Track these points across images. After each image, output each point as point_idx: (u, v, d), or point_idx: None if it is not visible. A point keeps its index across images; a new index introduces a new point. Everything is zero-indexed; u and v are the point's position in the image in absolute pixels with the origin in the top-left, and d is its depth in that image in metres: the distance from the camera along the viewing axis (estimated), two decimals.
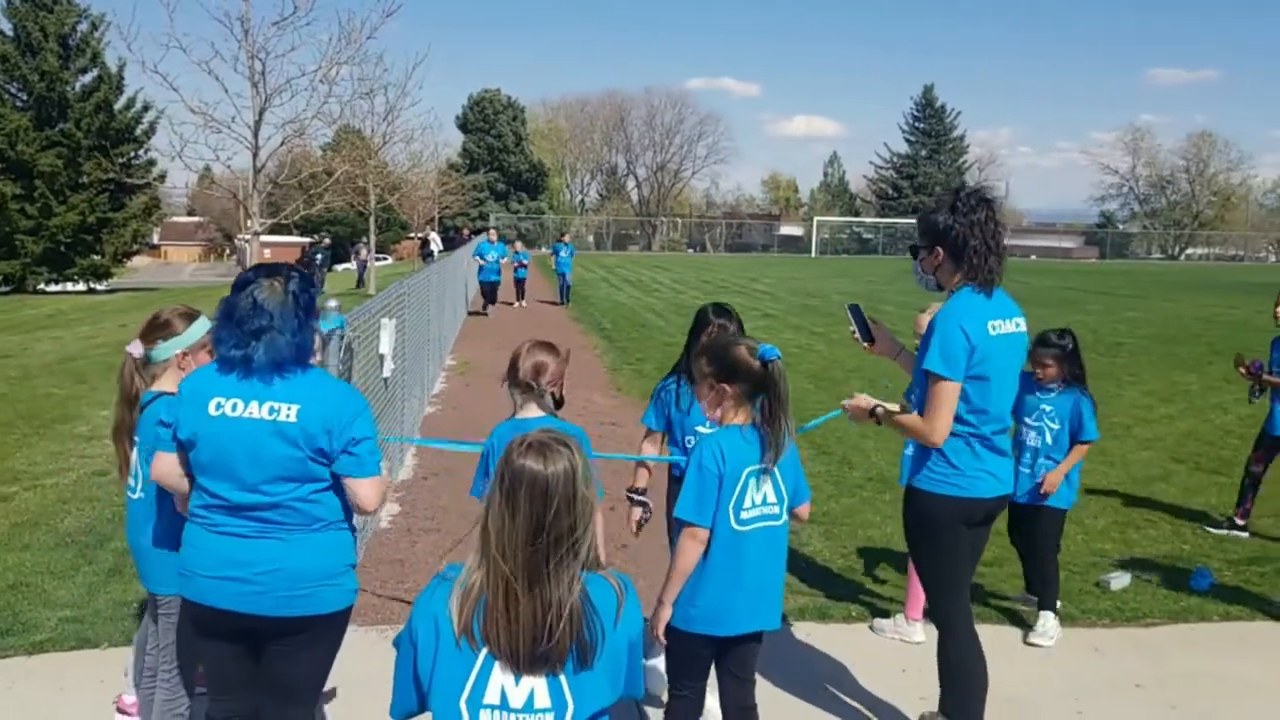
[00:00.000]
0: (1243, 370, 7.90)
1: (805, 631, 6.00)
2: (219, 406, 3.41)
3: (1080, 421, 6.04)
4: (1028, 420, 6.10)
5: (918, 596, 5.84)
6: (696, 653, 3.91)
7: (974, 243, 4.25)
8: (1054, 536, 6.17)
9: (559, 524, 2.34)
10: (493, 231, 27.87)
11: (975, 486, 4.37)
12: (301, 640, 3.56)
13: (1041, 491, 6.07)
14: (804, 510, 4.00)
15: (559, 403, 4.41)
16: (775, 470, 3.80)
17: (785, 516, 3.88)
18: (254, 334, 3.39)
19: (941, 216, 4.32)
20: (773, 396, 3.72)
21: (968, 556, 4.51)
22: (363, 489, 3.51)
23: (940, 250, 4.35)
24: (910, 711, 5.07)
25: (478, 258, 25.71)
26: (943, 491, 4.37)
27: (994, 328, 4.28)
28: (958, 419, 4.28)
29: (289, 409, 3.40)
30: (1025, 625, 6.06)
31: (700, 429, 4.72)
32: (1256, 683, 5.53)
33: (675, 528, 3.86)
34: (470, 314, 24.26)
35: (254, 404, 3.41)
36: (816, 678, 5.40)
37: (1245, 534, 7.95)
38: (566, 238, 30.31)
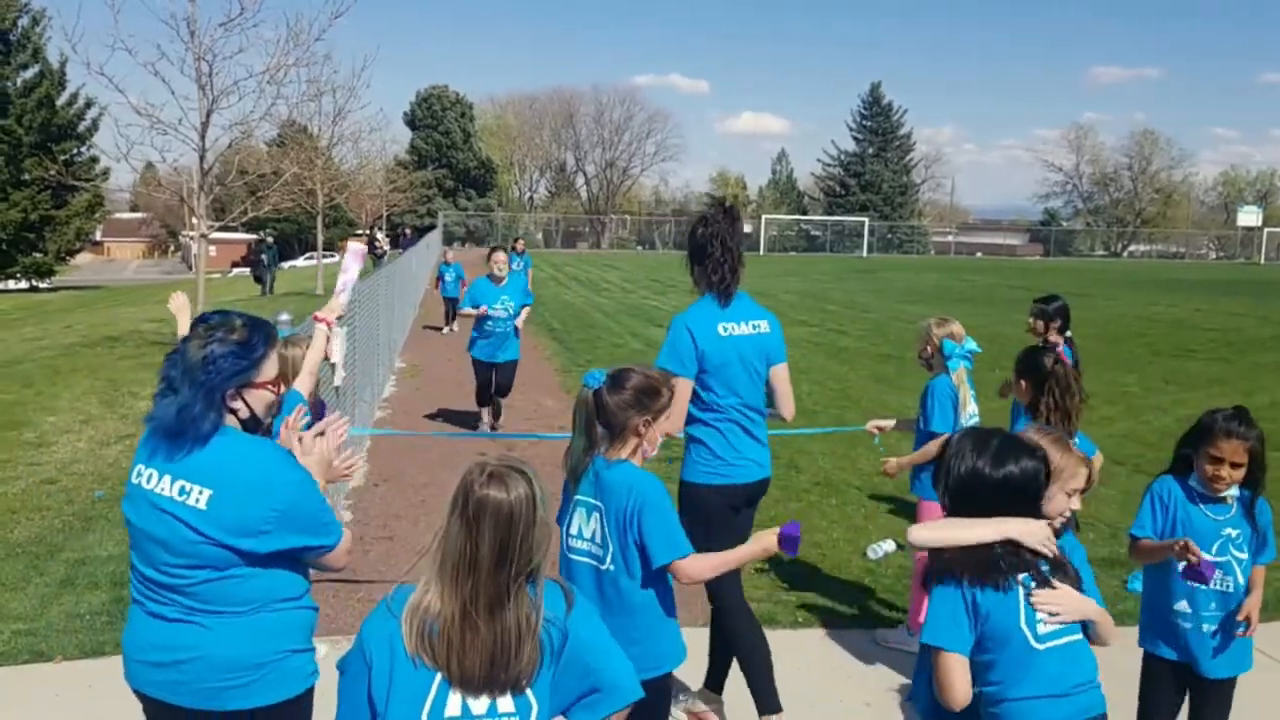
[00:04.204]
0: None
1: None
2: (139, 475, 3.03)
3: (1264, 538, 4.10)
4: (1207, 557, 3.91)
5: (921, 607, 5.92)
6: None
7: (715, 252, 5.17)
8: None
9: (525, 548, 2.40)
10: (449, 250, 22.91)
11: (735, 474, 4.81)
12: None
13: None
14: (678, 569, 3.54)
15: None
16: (600, 509, 3.57)
17: (610, 564, 3.56)
18: (163, 391, 2.99)
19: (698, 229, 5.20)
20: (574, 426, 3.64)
21: (734, 538, 4.57)
22: (327, 564, 3.15)
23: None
24: (850, 714, 5.21)
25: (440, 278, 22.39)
26: (708, 481, 4.81)
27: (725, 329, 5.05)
28: (710, 410, 4.83)
29: (200, 493, 2.92)
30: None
31: None
32: None
33: None
34: (427, 328, 21.84)
35: (166, 479, 2.96)
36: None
37: None
38: (520, 244, 22.58)
